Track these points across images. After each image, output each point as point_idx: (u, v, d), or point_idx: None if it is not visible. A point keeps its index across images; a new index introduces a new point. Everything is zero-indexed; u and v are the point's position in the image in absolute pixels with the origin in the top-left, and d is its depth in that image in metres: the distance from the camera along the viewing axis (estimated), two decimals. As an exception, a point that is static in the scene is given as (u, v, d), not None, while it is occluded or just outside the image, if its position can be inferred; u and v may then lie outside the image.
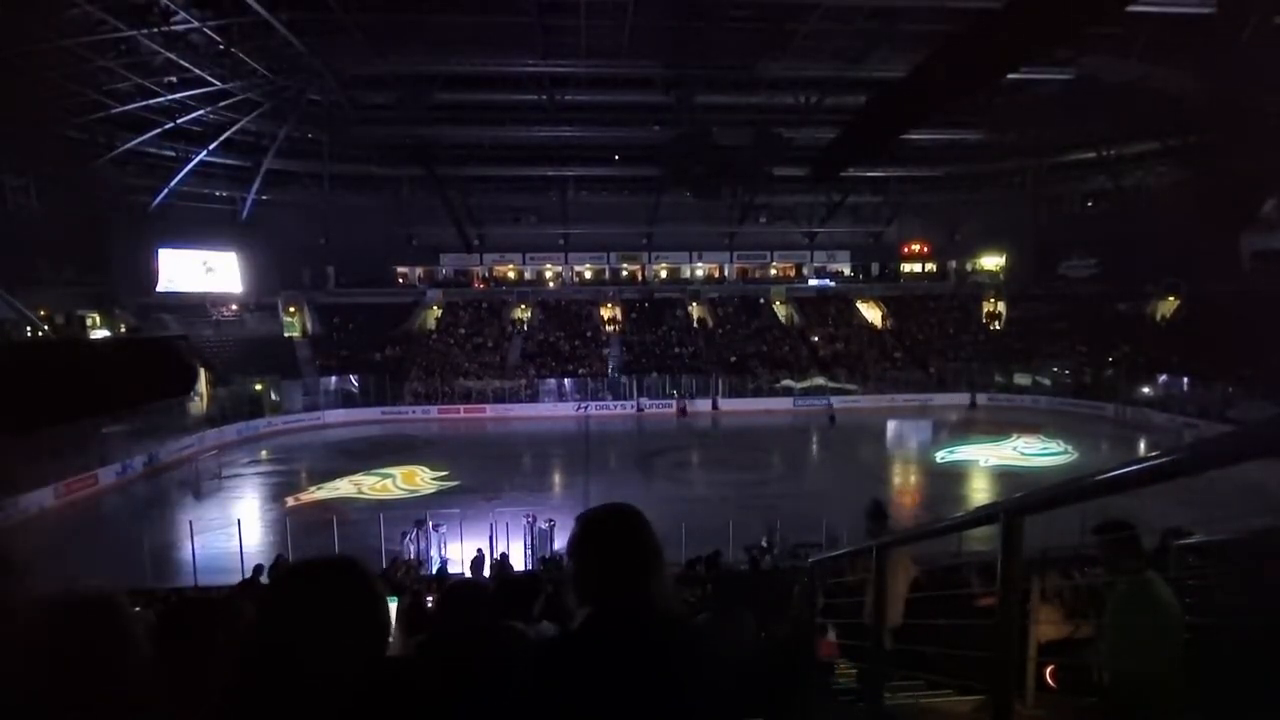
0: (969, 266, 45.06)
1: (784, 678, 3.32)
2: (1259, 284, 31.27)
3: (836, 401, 33.55)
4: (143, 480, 23.11)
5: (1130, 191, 36.52)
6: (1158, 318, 35.75)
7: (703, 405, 33.70)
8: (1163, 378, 30.04)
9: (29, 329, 26.31)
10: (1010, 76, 24.87)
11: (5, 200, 27.45)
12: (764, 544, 13.79)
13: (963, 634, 3.69)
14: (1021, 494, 1.40)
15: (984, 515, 1.62)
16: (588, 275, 44.38)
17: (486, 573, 11.97)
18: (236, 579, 13.00)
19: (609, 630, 1.28)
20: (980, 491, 20.70)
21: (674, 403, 33.57)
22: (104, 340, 28.98)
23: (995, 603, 2.16)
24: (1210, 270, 33.56)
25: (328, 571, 1.14)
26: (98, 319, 30.68)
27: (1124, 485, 1.07)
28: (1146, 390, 30.15)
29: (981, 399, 34.19)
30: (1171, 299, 35.48)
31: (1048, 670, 2.81)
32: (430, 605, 7.95)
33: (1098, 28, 21.03)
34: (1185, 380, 28.93)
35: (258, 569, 12.68)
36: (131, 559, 14.64)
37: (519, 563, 13.72)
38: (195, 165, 32.65)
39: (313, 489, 21.41)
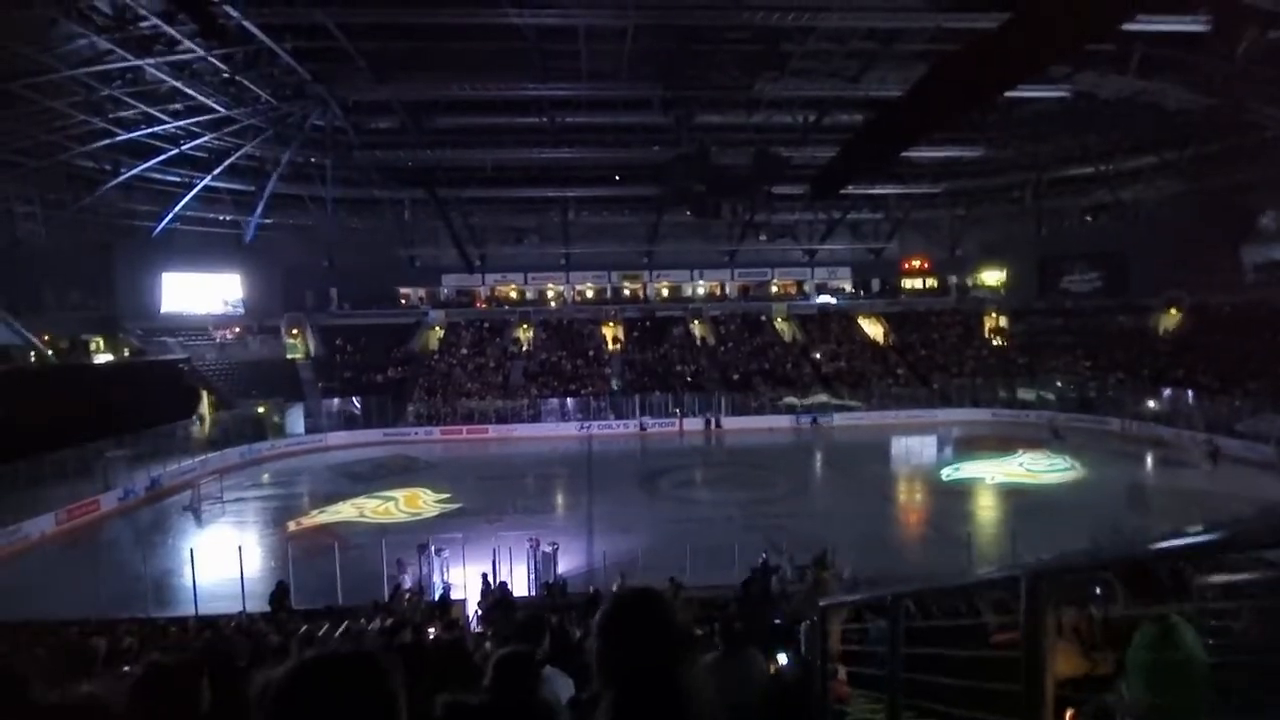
0: (970, 282, 45.08)
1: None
2: (1261, 296, 31.23)
3: (839, 418, 33.49)
4: (145, 505, 22.98)
5: (1130, 205, 36.65)
6: (1161, 331, 35.65)
7: (696, 424, 33.52)
8: (1168, 391, 29.86)
9: (34, 354, 26.38)
10: (1008, 94, 25.05)
11: (13, 227, 27.68)
12: (761, 564, 13.58)
13: (977, 670, 3.59)
14: (1046, 559, 1.34)
15: (1005, 578, 1.56)
16: (589, 294, 44.48)
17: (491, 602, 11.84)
18: (237, 606, 12.88)
19: None
20: (987, 509, 20.50)
21: (675, 422, 33.39)
22: (108, 364, 29.09)
23: (1012, 642, 2.07)
24: (1212, 283, 33.55)
25: (341, 671, 1.07)
26: (102, 343, 30.76)
27: (1153, 558, 1.01)
28: (1152, 404, 29.95)
29: (986, 414, 33.99)
30: (1174, 312, 35.41)
31: (1068, 715, 2.71)
32: (432, 637, 7.83)
33: (1095, 45, 21.20)
34: (1191, 393, 28.73)
35: (280, 586, 12.66)
36: (133, 586, 14.53)
37: (520, 587, 13.58)
38: (199, 190, 32.94)
39: (315, 513, 21.28)
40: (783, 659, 3.72)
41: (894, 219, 43.01)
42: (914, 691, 2.67)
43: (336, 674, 1.04)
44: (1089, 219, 39.90)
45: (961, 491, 22.08)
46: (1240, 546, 0.89)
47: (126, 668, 6.62)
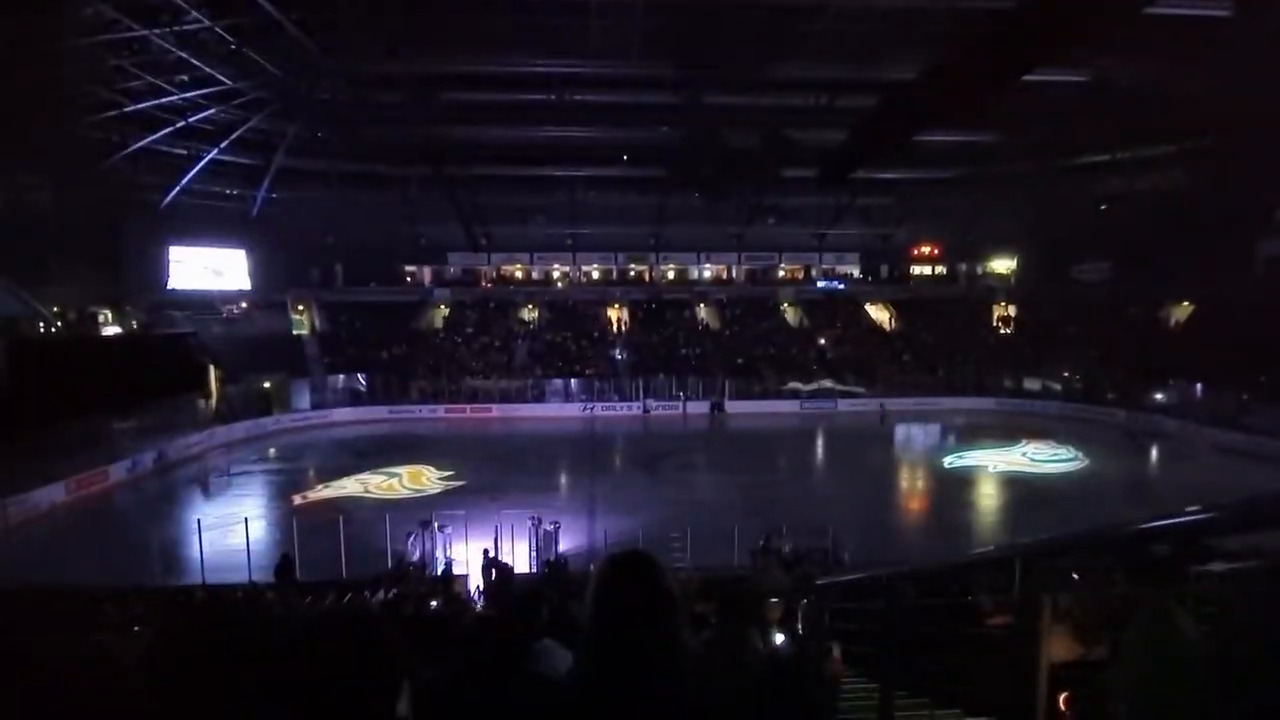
0: (979, 269, 44.73)
1: (789, 698, 3.26)
2: (1273, 289, 30.85)
3: (844, 404, 33.53)
4: (153, 477, 23.27)
5: (1144, 195, 36.09)
6: (1171, 323, 35.37)
7: (700, 407, 33.55)
8: (1175, 383, 29.70)
9: (42, 325, 26.54)
10: (1024, 78, 24.59)
11: (19, 197, 27.66)
12: (762, 547, 13.66)
13: (970, 651, 3.62)
14: (1040, 538, 1.34)
15: (1000, 557, 1.56)
16: (595, 275, 44.33)
17: (492, 577, 11.97)
18: (243, 577, 13.09)
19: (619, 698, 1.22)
20: (988, 498, 20.54)
21: (679, 404, 33.40)
22: (116, 337, 29.26)
23: (1007, 624, 2.07)
24: (1224, 275, 33.16)
25: (346, 627, 1.09)
26: (110, 315, 30.91)
27: (1150, 538, 1.01)
28: (1159, 396, 29.82)
29: (990, 403, 33.94)
30: (1185, 304, 35.10)
31: (1061, 698, 2.73)
32: (434, 609, 7.94)
33: (1114, 29, 20.77)
34: (1198, 386, 28.58)
35: (285, 559, 12.84)
36: (141, 556, 14.76)
37: (522, 565, 13.72)
38: (206, 163, 32.81)
39: (319, 487, 21.49)
40: (779, 637, 3.76)
41: (904, 204, 42.55)
42: (908, 670, 2.69)
43: (342, 628, 1.06)
44: (1102, 208, 39.37)
45: (963, 479, 22.11)
46: (1227, 529, 0.88)
47: (137, 627, 6.75)
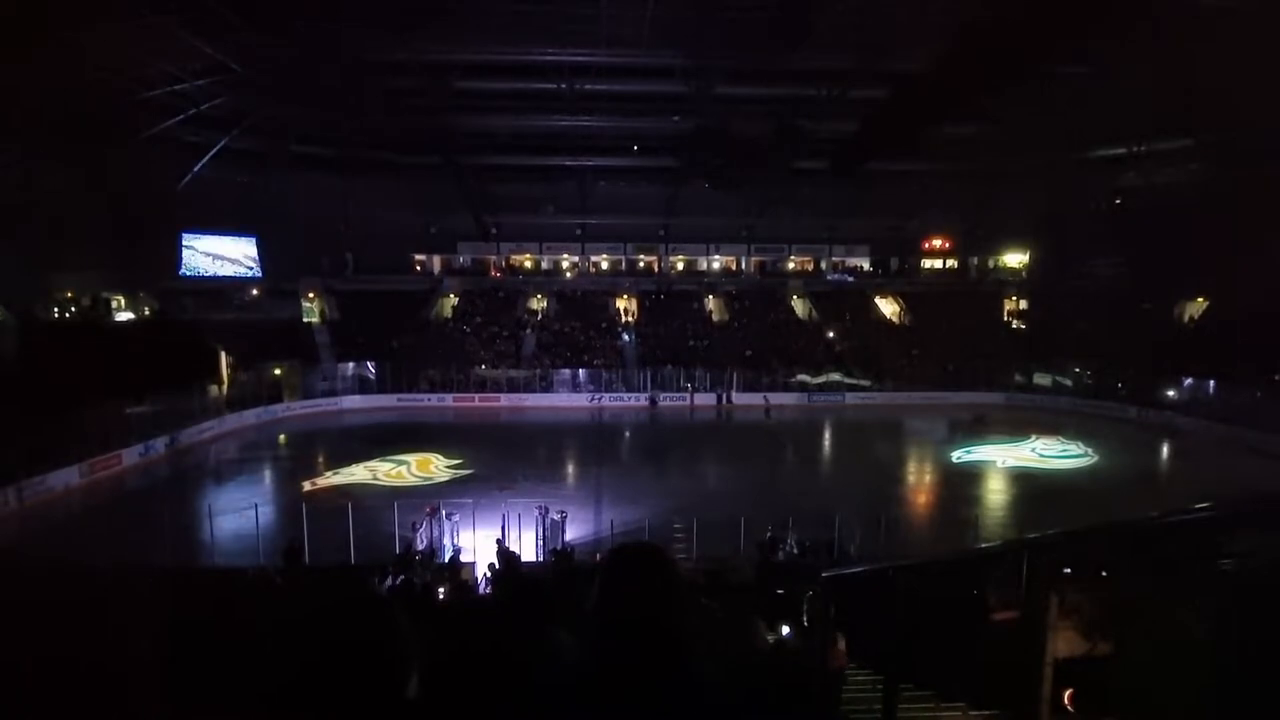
0: (991, 263, 44.34)
1: (793, 688, 3.28)
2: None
3: (852, 397, 33.47)
4: (165, 461, 23.53)
5: (1161, 189, 35.59)
6: (1185, 319, 34.98)
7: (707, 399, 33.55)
8: (1188, 380, 29.40)
9: (56, 311, 26.82)
10: (1039, 68, 24.28)
11: (33, 183, 27.87)
12: (768, 539, 13.66)
13: (976, 645, 3.63)
14: (1049, 533, 1.34)
15: (1008, 550, 1.56)
16: (604, 266, 44.31)
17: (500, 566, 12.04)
18: (253, 561, 13.23)
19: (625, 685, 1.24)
20: (996, 493, 20.46)
21: (686, 395, 33.40)
22: (129, 323, 29.53)
23: (1013, 620, 2.07)
24: (1241, 271, 32.72)
25: (358, 611, 1.11)
26: (122, 301, 31.21)
27: (1158, 535, 1.00)
28: (1171, 393, 29.54)
29: (999, 398, 33.73)
30: (1200, 300, 34.68)
31: (1066, 694, 2.73)
32: (442, 596, 8.02)
33: (1132, 18, 20.43)
34: (1211, 383, 28.29)
35: (293, 544, 12.95)
36: (153, 539, 14.94)
37: (529, 554, 13.81)
38: (218, 150, 32.91)
39: (329, 474, 21.67)
40: (784, 629, 3.78)
41: (915, 197, 42.15)
42: (913, 663, 2.69)
43: (354, 611, 1.08)
44: (1117, 202, 38.89)
45: (971, 474, 22.03)
46: (1236, 526, 0.88)
47: (148, 609, 6.87)
